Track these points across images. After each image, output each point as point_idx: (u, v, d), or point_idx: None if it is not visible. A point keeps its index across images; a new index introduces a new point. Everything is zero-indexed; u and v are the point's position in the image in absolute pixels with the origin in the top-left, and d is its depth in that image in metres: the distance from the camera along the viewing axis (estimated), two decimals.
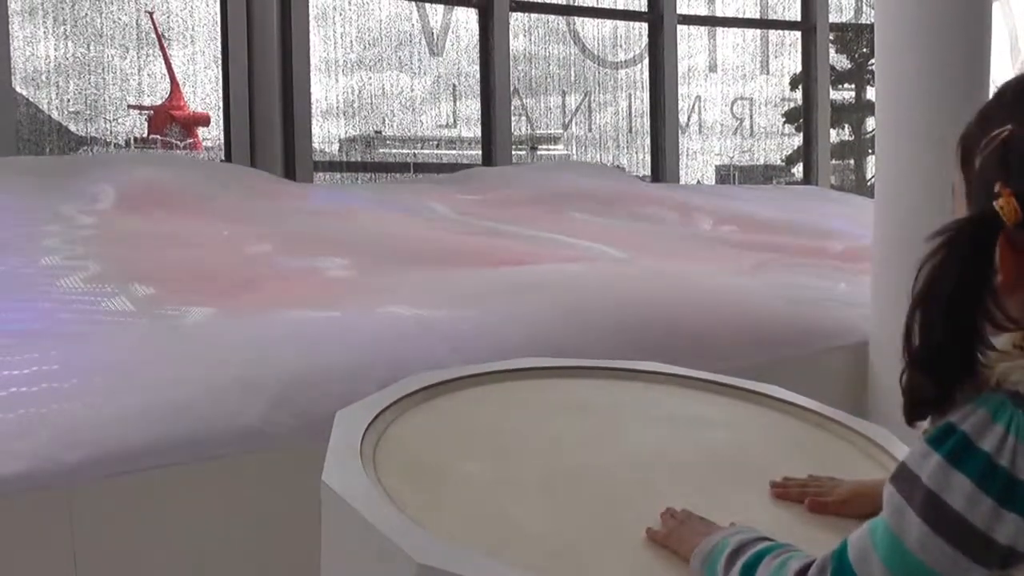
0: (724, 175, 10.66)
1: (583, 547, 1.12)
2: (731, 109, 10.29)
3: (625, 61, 9.46)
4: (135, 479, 2.18)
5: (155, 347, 2.76)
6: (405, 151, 9.05)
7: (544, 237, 5.02)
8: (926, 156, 3.31)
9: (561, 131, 9.49)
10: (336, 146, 8.56)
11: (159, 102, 7.77)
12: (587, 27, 9.31)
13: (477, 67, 8.57)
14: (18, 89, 6.69)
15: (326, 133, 8.25)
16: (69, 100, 7.09)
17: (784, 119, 10.70)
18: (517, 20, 8.76)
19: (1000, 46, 9.44)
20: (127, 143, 7.60)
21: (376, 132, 8.65)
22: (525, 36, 8.92)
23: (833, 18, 10.29)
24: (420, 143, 9.09)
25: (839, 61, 12.14)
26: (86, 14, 7.02)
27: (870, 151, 11.71)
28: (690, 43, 9.79)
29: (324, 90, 7.98)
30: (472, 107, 8.72)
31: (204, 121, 7.96)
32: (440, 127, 8.95)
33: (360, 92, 8.30)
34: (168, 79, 7.66)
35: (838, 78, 11.86)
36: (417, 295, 3.31)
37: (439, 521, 1.14)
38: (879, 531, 0.83)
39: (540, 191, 6.35)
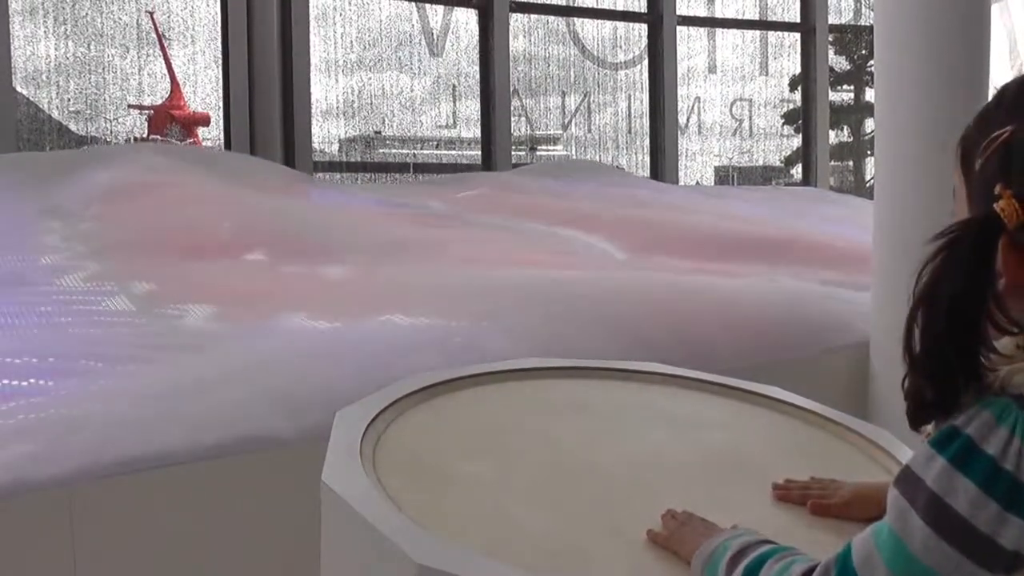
0: (723, 176, 10.67)
1: (583, 548, 1.12)
2: (730, 110, 10.30)
3: (625, 62, 9.46)
4: (135, 480, 2.18)
5: (155, 348, 2.75)
6: (405, 151, 9.05)
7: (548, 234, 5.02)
8: (926, 158, 3.30)
9: (560, 132, 9.49)
10: (336, 146, 8.57)
11: (159, 102, 7.78)
12: (587, 28, 9.32)
13: (477, 68, 8.58)
14: (18, 88, 6.69)
15: (326, 133, 8.26)
16: (69, 99, 7.10)
17: (783, 120, 10.71)
18: (517, 21, 8.77)
19: (999, 48, 9.44)
20: (127, 143, 7.60)
21: (376, 132, 8.66)
22: (525, 37, 8.93)
23: (832, 20, 10.31)
24: (420, 143, 9.10)
25: (838, 62, 12.16)
26: (86, 14, 7.02)
27: (869, 152, 11.72)
28: (689, 44, 9.80)
29: (324, 90, 7.98)
30: (472, 108, 8.72)
31: (204, 121, 7.97)
32: (440, 127, 8.95)
33: (360, 92, 8.31)
34: (168, 79, 7.66)
35: (837, 79, 11.87)
36: (423, 298, 3.30)
37: (439, 521, 1.13)
38: (883, 535, 0.82)
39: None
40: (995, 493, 0.77)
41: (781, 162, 11.02)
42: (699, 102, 10.04)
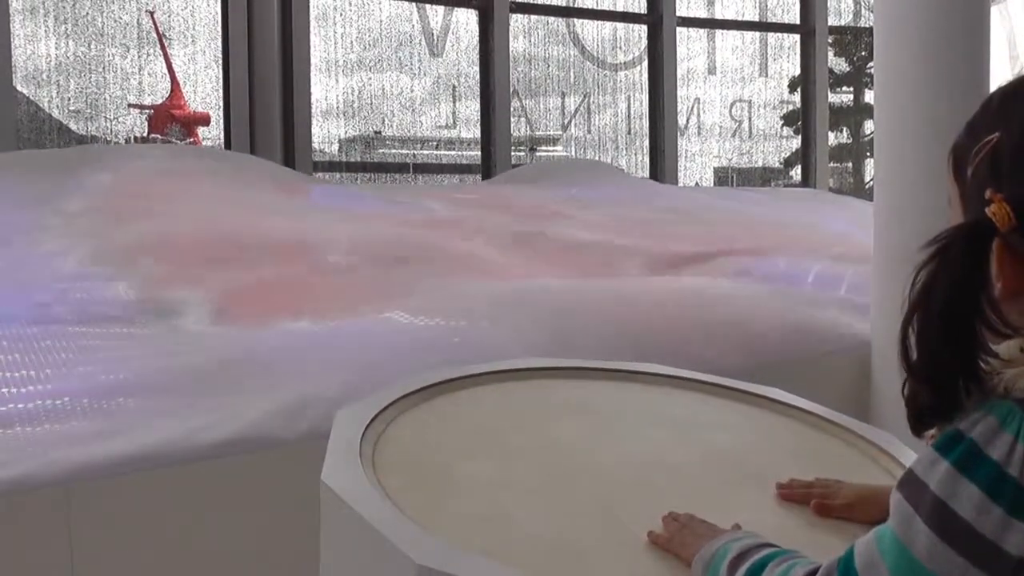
0: (722, 177, 10.68)
1: (583, 548, 1.12)
2: (730, 111, 10.31)
3: (624, 63, 9.47)
4: (133, 479, 2.18)
5: (154, 346, 2.75)
6: (404, 151, 9.05)
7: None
8: (925, 159, 3.31)
9: (560, 132, 9.49)
10: (336, 146, 8.57)
11: (159, 101, 7.78)
12: (587, 29, 9.32)
13: (477, 68, 8.58)
14: (19, 87, 6.69)
15: (326, 133, 8.26)
16: (70, 99, 7.10)
17: (783, 122, 10.71)
18: (517, 21, 8.77)
19: (998, 50, 9.45)
20: (127, 142, 7.60)
21: (376, 132, 8.66)
22: (525, 37, 8.93)
23: (832, 21, 10.32)
24: (420, 144, 9.10)
25: (838, 64, 12.17)
26: (87, 13, 7.02)
27: (868, 154, 11.73)
28: (689, 45, 9.81)
29: (324, 90, 7.99)
30: (472, 108, 8.73)
31: (204, 120, 7.97)
32: (440, 128, 8.95)
33: (360, 93, 8.31)
34: (168, 78, 7.66)
35: (836, 81, 11.88)
36: (421, 301, 3.30)
37: (438, 522, 1.13)
38: (886, 539, 0.82)
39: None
40: (1000, 498, 0.76)
41: (780, 163, 11.02)
42: (699, 103, 10.04)
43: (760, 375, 1.89)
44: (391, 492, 1.19)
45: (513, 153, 8.65)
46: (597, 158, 9.42)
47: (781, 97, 10.52)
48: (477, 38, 8.55)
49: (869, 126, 11.71)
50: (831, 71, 10.73)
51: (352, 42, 8.17)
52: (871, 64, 8.26)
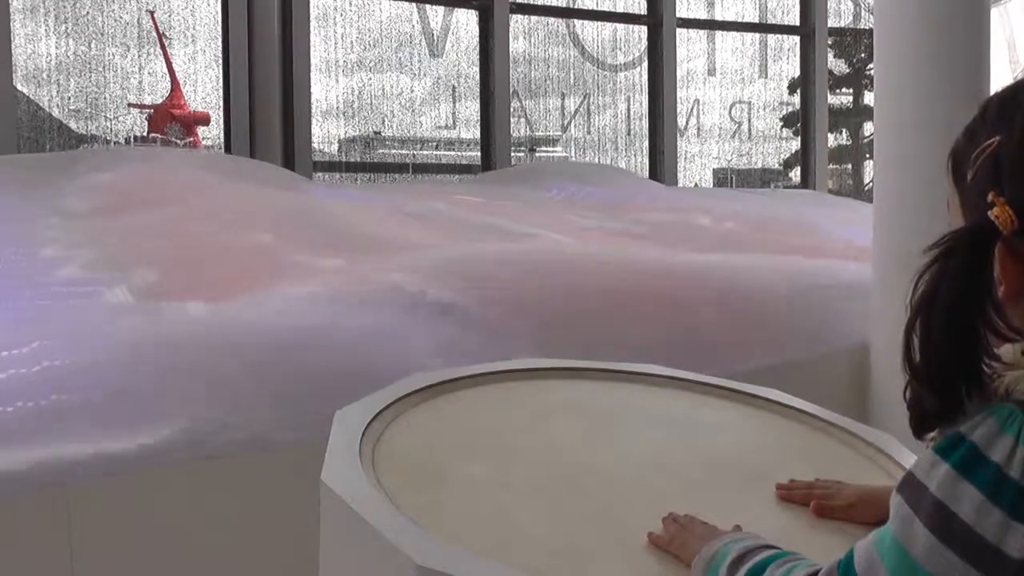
0: (722, 178, 10.68)
1: (583, 549, 1.12)
2: (729, 113, 10.31)
3: (624, 64, 9.47)
4: (133, 478, 2.18)
5: (154, 344, 2.75)
6: (404, 152, 9.05)
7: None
8: (925, 161, 3.31)
9: (560, 133, 9.49)
10: (335, 146, 8.57)
11: (159, 101, 7.78)
12: (587, 30, 9.32)
13: (477, 69, 8.58)
14: (19, 87, 6.68)
15: (326, 133, 8.26)
16: (70, 98, 7.10)
17: (782, 123, 10.71)
18: (517, 22, 8.77)
19: (998, 52, 9.45)
20: (127, 141, 7.60)
21: (375, 133, 8.66)
22: (525, 38, 8.93)
23: (832, 23, 10.32)
24: (419, 144, 9.10)
25: (837, 66, 12.17)
26: (87, 12, 7.02)
27: (868, 156, 11.73)
28: (689, 47, 9.81)
29: (324, 90, 7.98)
30: (471, 108, 8.72)
31: (204, 120, 7.97)
32: (439, 128, 8.95)
33: (360, 93, 8.30)
34: (169, 78, 7.66)
35: (836, 82, 11.88)
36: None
37: (438, 522, 1.13)
38: (886, 541, 0.82)
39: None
40: (1000, 500, 0.76)
41: (780, 165, 11.02)
42: (698, 104, 10.04)
43: (759, 376, 1.89)
44: (391, 492, 1.19)
45: (513, 154, 8.65)
46: (597, 159, 9.43)
47: (781, 98, 10.52)
48: (477, 39, 8.55)
49: (869, 128, 11.72)
50: (831, 73, 10.73)
51: (352, 42, 8.17)
52: (871, 66, 8.26)
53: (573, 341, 2.92)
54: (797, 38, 10.11)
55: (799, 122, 10.26)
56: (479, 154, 8.64)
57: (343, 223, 4.85)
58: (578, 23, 9.27)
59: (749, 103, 10.38)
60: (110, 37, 7.13)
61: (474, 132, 8.73)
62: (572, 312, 3.19)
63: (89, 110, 7.17)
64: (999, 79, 5.41)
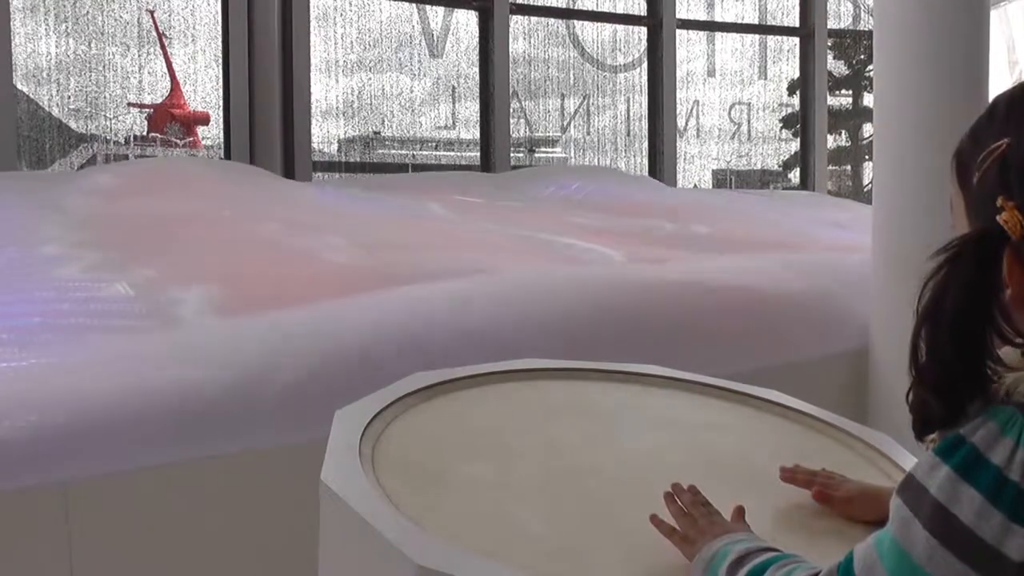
0: (721, 179, 10.69)
1: (582, 550, 1.12)
2: (729, 114, 10.32)
3: (624, 65, 9.47)
4: (131, 477, 2.18)
5: (154, 342, 2.75)
6: (404, 152, 9.05)
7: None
8: (925, 163, 3.31)
9: (559, 134, 9.50)
10: (335, 146, 8.57)
11: (159, 100, 7.78)
12: (587, 31, 9.33)
13: (476, 69, 8.58)
14: (19, 86, 6.68)
15: (325, 133, 8.26)
16: (70, 97, 7.10)
17: (781, 124, 10.72)
18: (517, 23, 8.77)
19: (998, 54, 9.46)
20: (127, 141, 7.60)
21: (375, 133, 8.66)
22: (525, 39, 8.93)
23: (831, 24, 10.32)
24: (419, 144, 9.10)
25: (837, 67, 12.18)
26: (87, 12, 7.02)
27: (867, 157, 11.74)
28: (689, 48, 9.82)
29: (324, 90, 7.99)
30: (471, 109, 8.73)
31: (204, 120, 7.97)
32: (439, 128, 8.96)
33: (360, 93, 8.31)
34: (168, 78, 7.66)
35: (836, 84, 11.89)
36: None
37: (438, 522, 1.13)
38: (885, 543, 0.82)
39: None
40: (1000, 503, 0.76)
41: (779, 166, 11.03)
42: (698, 105, 10.05)
43: (759, 377, 1.89)
44: (390, 492, 1.19)
45: (512, 154, 8.65)
46: (596, 160, 9.44)
47: (780, 100, 10.53)
48: (477, 39, 8.56)
49: (868, 129, 11.72)
50: (830, 74, 10.74)
51: (352, 42, 8.17)
52: (870, 67, 8.28)
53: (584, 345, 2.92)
54: (797, 39, 10.12)
55: (798, 123, 10.27)
56: (479, 154, 8.64)
57: (347, 221, 4.85)
58: (578, 24, 9.27)
59: (749, 104, 10.39)
60: (110, 36, 7.13)
61: (474, 132, 8.74)
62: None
63: (89, 109, 7.17)
64: (998, 81, 5.42)
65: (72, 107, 7.15)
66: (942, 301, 0.80)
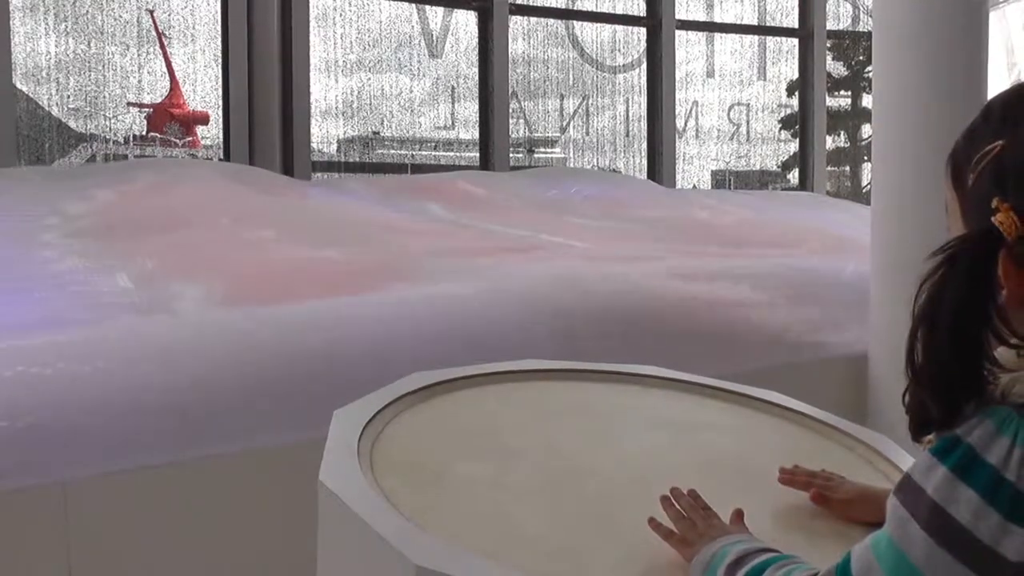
0: (720, 180, 10.69)
1: (581, 550, 1.12)
2: (728, 114, 10.32)
3: (623, 65, 9.47)
4: (130, 475, 2.18)
5: (153, 341, 2.75)
6: (403, 152, 9.05)
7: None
8: (923, 164, 3.31)
9: (559, 134, 9.50)
10: (334, 146, 8.57)
11: (159, 100, 7.77)
12: (586, 31, 9.33)
13: (476, 69, 8.58)
14: (18, 85, 6.68)
15: (324, 133, 8.26)
16: (69, 97, 7.09)
17: (780, 125, 10.72)
18: (516, 23, 8.77)
19: (996, 55, 9.47)
20: (126, 140, 7.60)
21: (374, 133, 8.66)
22: (524, 39, 8.93)
23: (830, 25, 10.33)
24: (418, 144, 9.10)
25: (836, 68, 12.17)
26: (87, 11, 7.02)
27: (866, 158, 11.74)
28: (688, 48, 9.82)
29: (323, 90, 7.98)
30: (470, 109, 8.73)
31: (203, 120, 7.96)
32: (438, 129, 8.95)
33: (359, 93, 8.30)
34: (168, 77, 7.66)
35: (834, 85, 11.88)
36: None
37: (436, 522, 1.13)
38: (883, 544, 0.82)
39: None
40: (997, 503, 0.76)
41: (778, 167, 11.03)
42: (697, 106, 10.05)
43: (758, 378, 1.90)
44: (389, 492, 1.19)
45: (511, 155, 8.65)
46: (595, 160, 9.44)
47: (779, 101, 10.53)
48: (476, 39, 8.55)
49: (867, 130, 11.72)
50: (829, 75, 10.74)
51: (352, 42, 8.17)
52: (869, 68, 8.27)
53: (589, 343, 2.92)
54: (796, 40, 10.13)
55: (797, 124, 10.27)
56: (478, 155, 8.64)
57: (340, 219, 4.85)
58: (577, 24, 9.27)
59: (748, 105, 10.39)
60: (110, 36, 7.13)
61: (473, 133, 8.74)
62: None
63: (88, 109, 7.17)
64: (997, 82, 5.43)
65: (71, 106, 7.14)
66: (938, 302, 0.80)
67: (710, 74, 10.09)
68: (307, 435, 2.17)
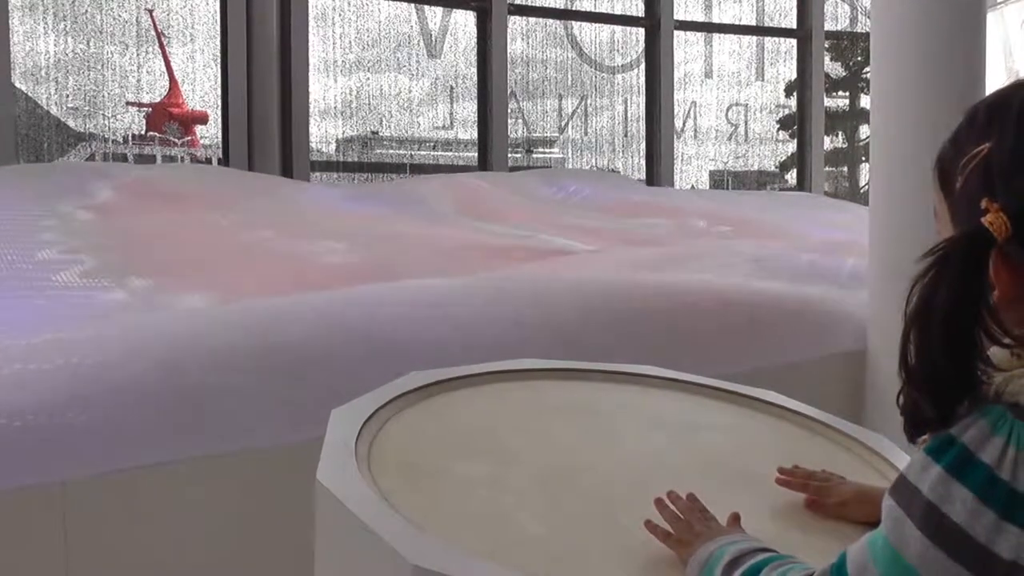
0: (718, 180, 10.70)
1: (580, 550, 1.12)
2: (726, 115, 10.33)
3: (622, 66, 9.48)
4: (128, 476, 2.18)
5: (151, 342, 2.75)
6: (402, 152, 9.05)
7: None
8: (921, 164, 3.30)
9: (557, 135, 9.50)
10: (333, 146, 8.57)
11: (158, 99, 7.77)
12: (585, 32, 9.33)
13: (475, 70, 8.58)
14: (17, 84, 6.67)
15: (323, 133, 8.26)
16: (68, 96, 7.09)
17: (778, 125, 10.73)
18: (515, 24, 8.77)
19: (994, 56, 9.47)
20: (125, 140, 7.60)
21: (373, 133, 8.66)
22: (523, 40, 8.94)
23: (829, 26, 10.34)
24: (417, 144, 9.10)
25: (834, 69, 12.18)
26: (86, 10, 7.02)
27: (863, 158, 11.75)
28: (686, 49, 9.83)
29: (322, 90, 7.99)
30: (469, 109, 8.73)
31: (202, 119, 7.97)
32: (437, 128, 8.96)
33: (358, 93, 8.31)
34: (167, 77, 7.66)
35: (833, 85, 11.89)
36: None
37: (434, 522, 1.13)
38: (878, 544, 0.82)
39: None
40: (992, 501, 0.76)
41: (776, 167, 11.04)
42: (695, 106, 10.06)
43: (757, 378, 1.90)
44: (386, 492, 1.19)
45: (510, 154, 8.66)
46: (594, 160, 9.45)
47: (777, 101, 10.55)
48: (475, 40, 8.56)
49: (864, 131, 11.73)
50: (827, 76, 10.75)
51: (351, 42, 8.17)
52: (867, 69, 8.27)
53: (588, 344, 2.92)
54: (794, 41, 10.14)
55: (795, 125, 10.28)
56: (476, 155, 8.65)
57: (340, 222, 4.85)
58: (576, 25, 9.28)
59: (746, 105, 10.40)
60: (109, 35, 7.13)
61: (471, 133, 8.74)
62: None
63: (87, 108, 7.17)
64: (995, 83, 5.41)
65: (71, 106, 7.14)
66: (931, 303, 0.81)
67: (708, 74, 10.10)
68: (305, 435, 2.18)
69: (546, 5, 9.07)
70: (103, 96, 7.22)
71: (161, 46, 7.48)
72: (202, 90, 7.60)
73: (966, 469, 0.78)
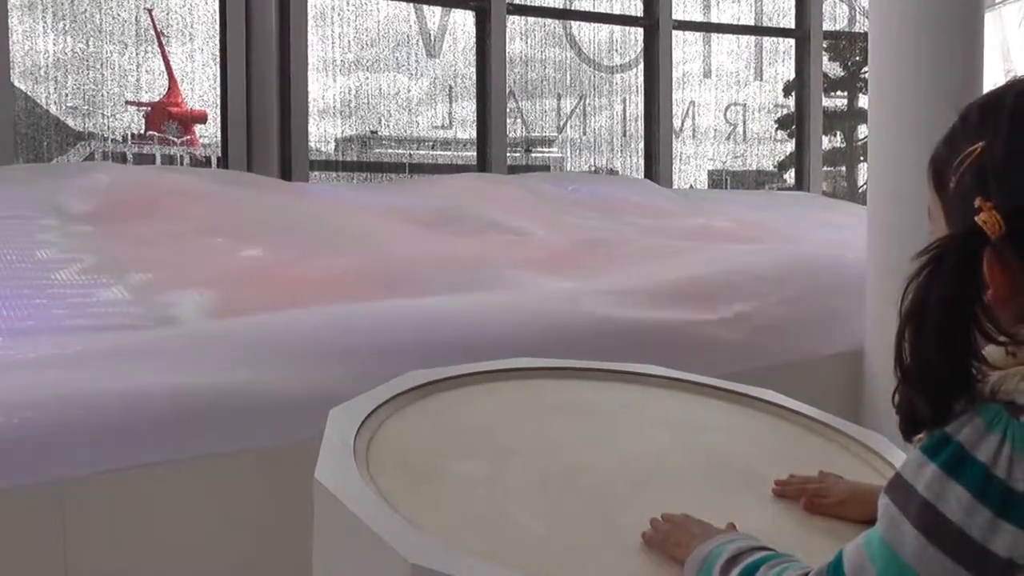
0: (717, 180, 10.70)
1: (578, 550, 1.12)
2: (725, 115, 10.32)
3: (621, 65, 9.47)
4: (127, 476, 2.18)
5: (149, 343, 2.75)
6: (401, 152, 9.05)
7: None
8: (920, 164, 3.31)
9: (556, 134, 9.50)
10: (332, 145, 8.56)
11: (157, 99, 7.77)
12: (583, 31, 9.33)
13: (474, 69, 8.58)
14: (16, 83, 6.67)
15: (323, 132, 8.25)
16: (67, 95, 7.08)
17: (777, 125, 10.73)
18: (514, 23, 8.77)
19: (992, 56, 9.47)
20: (124, 139, 7.59)
21: (372, 132, 8.65)
22: (522, 39, 8.93)
23: (827, 26, 10.33)
24: (416, 144, 9.09)
25: (832, 69, 12.18)
26: (85, 9, 7.01)
27: (862, 158, 11.75)
28: (685, 49, 9.82)
29: (321, 89, 7.98)
30: (468, 109, 8.72)
31: (201, 118, 7.96)
32: (436, 128, 8.95)
33: (357, 92, 8.30)
34: (166, 76, 7.65)
35: (831, 85, 11.88)
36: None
37: (432, 521, 1.14)
38: (875, 543, 0.83)
39: None
40: (988, 499, 0.77)
41: (774, 167, 11.04)
42: (694, 106, 10.05)
43: (755, 377, 1.90)
44: (384, 491, 1.19)
45: (509, 154, 8.65)
46: (592, 160, 9.45)
47: (776, 101, 10.54)
48: (474, 39, 8.55)
49: (863, 131, 11.73)
50: (826, 75, 10.74)
51: (350, 42, 8.17)
52: (865, 69, 8.26)
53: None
54: (792, 41, 10.13)
55: (794, 124, 10.28)
56: (475, 154, 8.65)
57: (337, 223, 4.85)
58: (575, 25, 9.28)
59: (744, 105, 10.39)
60: (108, 34, 7.12)
61: (470, 132, 8.74)
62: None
63: (87, 107, 7.16)
64: (993, 83, 5.41)
65: (70, 105, 7.13)
66: (925, 302, 0.81)
67: (707, 74, 10.09)
68: (303, 434, 2.18)
69: (545, 5, 9.06)
70: (102, 95, 7.20)
71: (160, 45, 7.47)
72: (201, 89, 7.59)
73: (961, 467, 0.79)
